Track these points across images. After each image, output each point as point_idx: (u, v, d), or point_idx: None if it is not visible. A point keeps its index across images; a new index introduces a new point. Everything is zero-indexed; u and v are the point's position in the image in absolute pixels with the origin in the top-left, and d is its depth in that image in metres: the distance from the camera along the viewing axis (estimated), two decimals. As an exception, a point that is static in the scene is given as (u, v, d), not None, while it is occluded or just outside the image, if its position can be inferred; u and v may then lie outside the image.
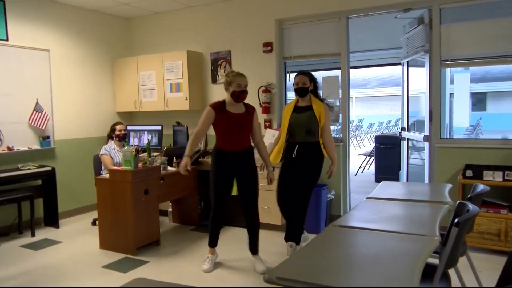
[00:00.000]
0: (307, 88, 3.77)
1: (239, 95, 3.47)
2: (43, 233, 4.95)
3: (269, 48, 5.25)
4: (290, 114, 3.81)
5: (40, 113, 5.20)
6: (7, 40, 4.92)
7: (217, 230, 3.79)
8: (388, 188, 3.31)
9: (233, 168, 3.60)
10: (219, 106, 3.53)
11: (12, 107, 4.91)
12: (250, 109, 3.65)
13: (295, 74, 3.86)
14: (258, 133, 3.73)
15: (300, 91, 3.78)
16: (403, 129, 5.56)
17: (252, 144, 3.73)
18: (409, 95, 5.49)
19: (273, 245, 4.29)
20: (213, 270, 3.71)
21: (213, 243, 3.80)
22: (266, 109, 5.30)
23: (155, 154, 4.72)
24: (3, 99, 4.87)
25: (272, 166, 3.75)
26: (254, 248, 3.77)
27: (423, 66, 4.82)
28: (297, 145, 3.78)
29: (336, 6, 4.80)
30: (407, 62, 5.37)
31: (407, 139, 5.56)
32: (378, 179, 7.75)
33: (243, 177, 3.66)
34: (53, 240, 4.69)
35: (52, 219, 5.23)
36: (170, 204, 5.31)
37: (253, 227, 3.75)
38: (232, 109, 3.54)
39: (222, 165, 3.60)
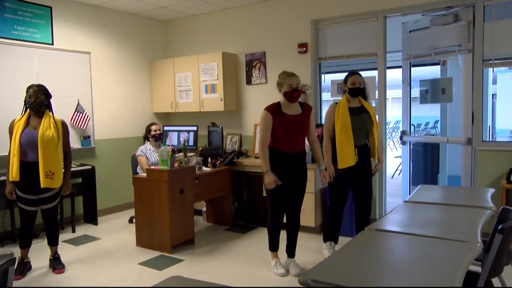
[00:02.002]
0: (363, 88, 3.73)
1: (291, 94, 3.42)
2: (82, 230, 5.13)
3: (304, 49, 5.22)
4: (349, 116, 3.69)
5: (81, 114, 5.40)
6: (52, 44, 5.14)
7: (278, 235, 3.70)
8: (426, 192, 3.21)
9: (287, 170, 3.51)
10: (274, 109, 3.47)
11: (56, 108, 5.09)
12: (306, 109, 3.57)
13: (348, 73, 3.77)
14: (313, 132, 3.66)
15: (356, 91, 3.70)
16: (403, 132, 5.09)
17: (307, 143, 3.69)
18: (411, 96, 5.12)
19: (307, 246, 4.26)
20: (287, 273, 3.64)
21: (274, 248, 3.73)
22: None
23: (190, 154, 4.79)
24: (47, 100, 5.08)
25: (324, 165, 3.67)
26: (291, 250, 3.74)
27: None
28: (357, 149, 3.70)
29: (373, 5, 4.71)
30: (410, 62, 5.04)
31: (410, 142, 5.23)
32: (415, 183, 7.52)
33: (294, 180, 3.56)
34: (92, 236, 4.85)
35: (91, 216, 5.41)
36: (205, 203, 5.37)
37: (294, 230, 3.71)
38: (288, 110, 3.48)
39: (277, 167, 3.47)
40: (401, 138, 5.10)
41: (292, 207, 3.66)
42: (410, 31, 4.87)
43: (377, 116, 4.81)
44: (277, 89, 3.55)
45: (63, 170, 3.76)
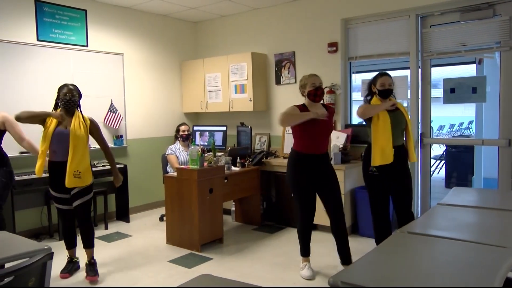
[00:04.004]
0: (393, 89, 3.62)
1: (315, 93, 3.42)
2: (115, 227, 5.26)
3: (334, 48, 5.16)
4: (386, 115, 3.56)
5: (114, 114, 5.53)
6: (87, 46, 5.30)
7: (308, 239, 3.63)
8: (461, 194, 3.11)
9: (312, 172, 3.48)
10: (301, 108, 3.49)
11: (90, 108, 5.24)
12: (330, 110, 3.54)
13: (377, 74, 3.66)
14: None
15: (386, 93, 3.59)
16: (423, 135, 4.77)
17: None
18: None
19: (327, 247, 4.20)
20: (314, 277, 3.57)
21: (305, 253, 3.65)
22: (330, 110, 5.21)
23: (219, 154, 4.83)
24: (82, 100, 5.22)
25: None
26: (346, 257, 3.58)
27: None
28: (395, 148, 3.56)
29: (405, 3, 4.61)
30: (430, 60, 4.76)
31: (430, 145, 4.87)
32: (449, 185, 7.32)
33: (324, 182, 3.52)
34: (124, 234, 4.96)
35: (123, 214, 5.54)
36: (233, 203, 5.40)
37: (341, 234, 3.57)
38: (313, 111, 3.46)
39: (301, 170, 3.47)
40: (420, 140, 4.78)
41: (332, 210, 3.56)
42: (431, 26, 4.63)
43: (409, 115, 4.71)
44: (300, 92, 3.55)
45: (110, 165, 3.86)
